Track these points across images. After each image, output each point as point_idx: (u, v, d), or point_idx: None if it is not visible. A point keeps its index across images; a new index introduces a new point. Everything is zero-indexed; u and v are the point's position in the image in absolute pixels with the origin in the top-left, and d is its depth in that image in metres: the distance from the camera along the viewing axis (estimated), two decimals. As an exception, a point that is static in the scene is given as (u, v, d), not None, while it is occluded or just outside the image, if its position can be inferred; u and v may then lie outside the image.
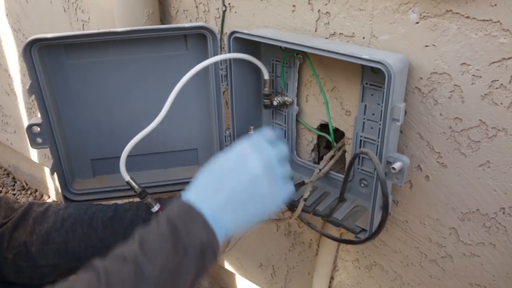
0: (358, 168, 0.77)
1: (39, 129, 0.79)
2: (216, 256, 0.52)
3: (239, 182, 0.54)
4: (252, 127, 0.84)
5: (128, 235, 0.62)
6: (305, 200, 0.76)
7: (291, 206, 0.78)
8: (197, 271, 0.51)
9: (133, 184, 0.76)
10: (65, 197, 0.88)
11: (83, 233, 0.73)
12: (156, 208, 0.77)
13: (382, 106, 0.63)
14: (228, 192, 0.54)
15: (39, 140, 0.80)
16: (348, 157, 0.80)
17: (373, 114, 0.72)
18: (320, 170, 0.80)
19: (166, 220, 0.51)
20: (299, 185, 0.78)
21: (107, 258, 0.49)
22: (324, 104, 0.78)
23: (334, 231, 0.89)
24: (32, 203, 0.76)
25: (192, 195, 0.54)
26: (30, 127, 0.78)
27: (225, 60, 0.78)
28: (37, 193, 2.05)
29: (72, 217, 0.74)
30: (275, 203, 0.57)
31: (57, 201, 1.98)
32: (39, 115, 0.79)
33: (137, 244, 0.50)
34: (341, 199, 0.78)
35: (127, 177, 0.75)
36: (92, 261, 0.49)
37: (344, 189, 0.77)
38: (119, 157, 0.73)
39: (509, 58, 0.57)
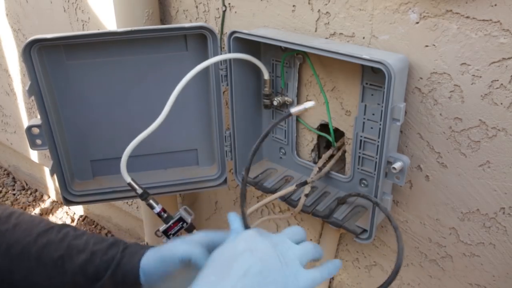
0: (358, 168, 0.77)
1: (38, 130, 0.79)
2: None
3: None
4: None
5: (78, 279, 0.62)
6: (306, 195, 0.76)
7: (292, 202, 0.79)
8: None
9: (135, 185, 0.75)
10: (64, 199, 0.88)
11: (30, 266, 0.63)
12: (158, 208, 0.77)
13: (382, 106, 0.63)
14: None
15: (38, 141, 0.80)
16: (348, 157, 0.80)
17: (373, 114, 0.72)
18: (319, 168, 0.80)
19: None
20: (301, 185, 0.78)
21: None
22: (325, 104, 0.78)
23: (333, 231, 0.89)
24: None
25: None
26: (29, 128, 0.78)
27: (225, 60, 0.78)
28: (37, 193, 2.05)
29: (19, 245, 0.63)
30: None
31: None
32: (38, 116, 0.79)
33: None
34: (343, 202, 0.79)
35: (128, 179, 0.75)
36: None
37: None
38: (119, 158, 0.73)
39: (509, 58, 0.57)
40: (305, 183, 0.78)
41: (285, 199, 0.81)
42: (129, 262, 0.63)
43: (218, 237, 0.61)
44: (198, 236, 0.62)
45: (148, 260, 0.63)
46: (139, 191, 0.75)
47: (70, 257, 0.64)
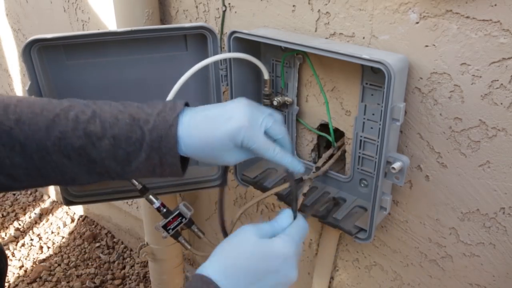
0: (358, 168, 0.77)
1: (38, 129, 0.79)
2: None
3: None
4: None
5: (108, 165, 0.58)
6: (304, 195, 0.76)
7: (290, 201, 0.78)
8: None
9: (134, 181, 0.77)
10: (64, 199, 0.87)
11: (55, 160, 0.58)
12: (157, 203, 0.77)
13: (382, 106, 0.63)
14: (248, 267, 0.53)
15: (38, 141, 0.80)
16: (348, 157, 0.80)
17: (373, 114, 0.72)
18: (318, 167, 0.80)
19: None
20: (297, 181, 0.78)
21: None
22: (324, 104, 0.78)
23: (333, 231, 0.89)
24: None
25: (222, 278, 0.52)
26: (30, 127, 0.78)
27: (225, 60, 0.78)
28: (37, 193, 2.05)
29: (33, 143, 0.58)
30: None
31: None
32: (39, 116, 0.79)
33: None
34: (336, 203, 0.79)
35: None
36: None
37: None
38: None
39: (509, 58, 0.57)
40: (300, 179, 0.78)
41: (285, 198, 0.81)
42: (164, 142, 0.58)
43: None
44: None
45: (189, 132, 0.57)
46: (139, 186, 0.76)
47: (92, 145, 0.59)
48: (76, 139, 0.58)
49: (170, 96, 0.71)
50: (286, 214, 0.58)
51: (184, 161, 0.60)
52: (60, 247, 1.75)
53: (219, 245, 0.57)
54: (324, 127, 0.82)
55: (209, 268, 0.53)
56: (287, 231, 0.56)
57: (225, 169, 0.72)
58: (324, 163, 0.81)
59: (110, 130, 0.58)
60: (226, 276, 0.52)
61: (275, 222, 0.58)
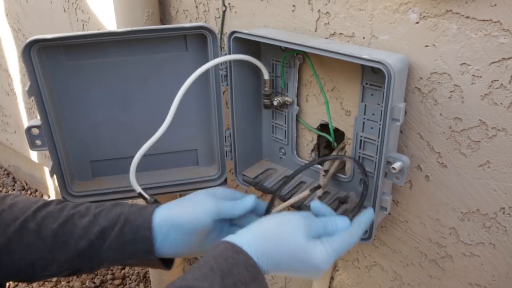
0: (358, 168, 0.77)
1: (38, 131, 0.79)
2: None
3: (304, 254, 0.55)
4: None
5: (82, 246, 0.59)
6: (319, 198, 0.76)
7: (304, 208, 0.78)
8: None
9: (145, 195, 0.75)
10: (64, 199, 0.87)
11: (29, 243, 0.60)
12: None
13: (382, 106, 0.63)
14: (282, 258, 0.54)
15: (38, 142, 0.80)
16: (348, 157, 0.80)
17: (373, 114, 0.72)
18: (327, 171, 0.80)
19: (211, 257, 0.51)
20: (314, 189, 0.76)
21: None
22: (324, 104, 0.78)
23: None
24: (24, 218, 0.62)
25: (246, 243, 0.54)
26: (29, 129, 0.78)
27: (225, 61, 0.78)
28: (37, 193, 2.05)
29: (17, 222, 0.60)
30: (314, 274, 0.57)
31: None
32: (38, 117, 0.79)
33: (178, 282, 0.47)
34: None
35: (138, 189, 0.74)
36: None
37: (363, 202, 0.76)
38: (119, 158, 0.73)
39: (509, 58, 0.57)
40: (318, 187, 0.77)
41: (299, 205, 0.79)
42: (139, 216, 0.61)
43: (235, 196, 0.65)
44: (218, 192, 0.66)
45: (163, 219, 0.62)
46: (150, 200, 0.75)
47: (72, 222, 0.61)
48: (58, 219, 0.61)
49: (175, 102, 0.71)
50: (344, 221, 0.58)
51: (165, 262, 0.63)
52: (60, 247, 1.75)
53: (263, 219, 0.57)
54: (324, 127, 0.82)
55: (243, 240, 0.53)
56: (336, 242, 0.56)
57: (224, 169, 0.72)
58: (330, 166, 0.80)
59: (94, 209, 0.63)
60: (258, 257, 0.53)
61: (330, 224, 0.58)
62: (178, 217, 0.61)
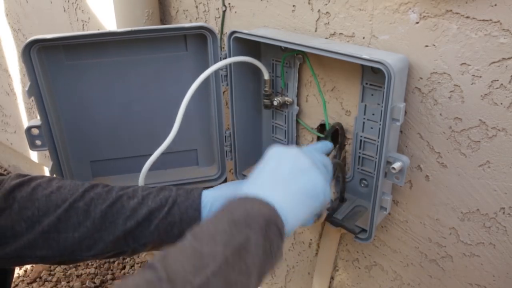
0: (358, 168, 0.77)
1: (38, 131, 0.79)
2: (282, 235, 0.49)
3: (307, 178, 0.55)
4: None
5: (129, 226, 0.61)
6: (328, 209, 0.75)
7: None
8: (265, 251, 0.47)
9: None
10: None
11: (78, 222, 0.62)
12: None
13: (382, 106, 0.63)
14: (285, 186, 0.54)
15: (38, 142, 0.80)
16: (348, 157, 0.80)
17: (373, 114, 0.72)
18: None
19: (221, 209, 0.49)
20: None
21: (160, 254, 0.46)
22: (324, 104, 0.78)
23: (334, 231, 0.89)
24: (16, 182, 0.63)
25: (247, 189, 0.53)
26: (29, 129, 0.78)
27: (228, 63, 0.78)
28: (37, 193, 2.05)
29: (66, 203, 0.62)
30: (322, 199, 0.57)
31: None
32: (38, 117, 0.78)
33: (189, 235, 0.47)
34: (342, 200, 0.78)
35: None
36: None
37: (343, 190, 0.77)
38: (119, 158, 0.73)
39: (509, 58, 0.57)
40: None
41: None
42: (187, 198, 0.62)
43: None
44: None
45: (214, 195, 0.63)
46: None
47: (120, 203, 0.63)
48: (107, 200, 0.63)
49: (181, 108, 0.71)
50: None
51: None
52: (60, 247, 1.75)
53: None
54: (324, 127, 0.82)
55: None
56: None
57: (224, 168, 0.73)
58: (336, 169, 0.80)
59: (141, 192, 0.64)
60: (252, 185, 0.54)
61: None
62: (226, 196, 0.62)
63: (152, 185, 0.88)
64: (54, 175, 0.83)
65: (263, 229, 0.47)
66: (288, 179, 0.55)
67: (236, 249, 0.45)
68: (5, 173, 2.18)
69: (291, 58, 0.79)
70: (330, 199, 0.59)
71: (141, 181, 0.73)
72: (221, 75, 0.80)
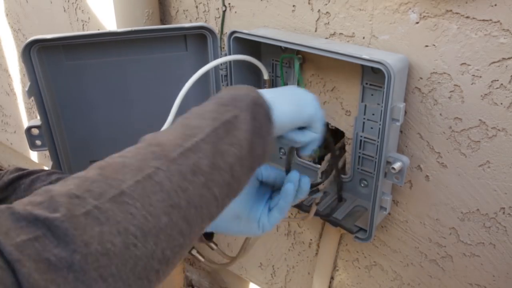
0: (358, 168, 0.77)
1: (38, 131, 0.79)
2: (270, 119, 0.49)
3: (292, 88, 0.57)
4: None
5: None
6: (317, 204, 0.76)
7: (303, 207, 0.78)
8: (255, 130, 0.47)
9: None
10: None
11: None
12: None
13: (382, 106, 0.63)
14: (279, 90, 0.55)
15: (38, 142, 0.80)
16: (348, 157, 0.80)
17: (373, 114, 0.72)
18: (321, 173, 0.80)
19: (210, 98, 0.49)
20: (312, 193, 0.76)
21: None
22: (325, 104, 0.78)
23: (334, 231, 0.89)
24: (15, 175, 0.63)
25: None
26: (29, 129, 0.78)
27: (226, 62, 0.78)
28: (37, 193, 2.05)
29: None
30: (311, 110, 0.56)
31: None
32: (38, 117, 0.78)
33: (179, 117, 0.46)
34: (340, 199, 0.78)
35: None
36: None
37: (340, 188, 0.77)
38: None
39: (509, 58, 0.57)
40: (316, 190, 0.77)
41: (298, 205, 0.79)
42: None
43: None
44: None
45: None
46: None
47: None
48: None
49: (176, 103, 0.71)
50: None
51: None
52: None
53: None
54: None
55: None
56: None
57: None
58: (329, 166, 0.80)
59: None
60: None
61: None
62: None
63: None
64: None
65: (250, 108, 0.47)
66: (284, 89, 0.56)
67: (223, 123, 0.45)
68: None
69: (290, 58, 0.78)
70: (322, 121, 0.58)
71: None
72: (221, 75, 0.80)
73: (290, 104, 0.54)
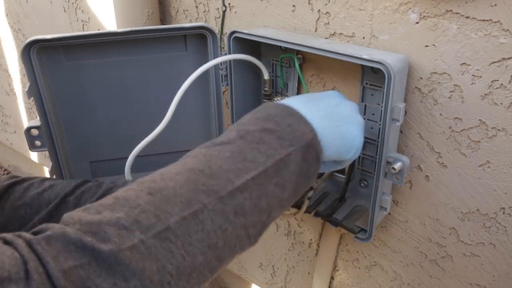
0: (358, 168, 0.77)
1: (37, 131, 0.79)
2: (318, 161, 0.50)
3: (338, 107, 0.56)
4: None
5: None
6: (309, 199, 0.76)
7: (296, 203, 0.78)
8: (302, 172, 0.48)
9: None
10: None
11: None
12: None
13: (382, 106, 0.63)
14: (327, 110, 0.54)
15: (37, 143, 0.80)
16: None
17: (373, 114, 0.72)
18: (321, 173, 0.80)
19: (265, 116, 0.49)
20: (307, 191, 0.76)
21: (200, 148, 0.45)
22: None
23: (334, 231, 0.89)
24: (8, 183, 0.63)
25: (291, 102, 0.53)
26: (28, 129, 0.78)
27: (225, 61, 0.78)
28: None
29: (58, 198, 0.62)
30: (354, 152, 0.57)
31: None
32: (38, 117, 0.78)
33: (234, 133, 0.46)
34: (341, 199, 0.78)
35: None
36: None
37: (345, 190, 0.77)
38: (118, 159, 0.73)
39: (509, 58, 0.57)
40: (310, 188, 0.77)
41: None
42: None
43: None
44: None
45: None
46: None
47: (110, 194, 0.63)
48: (97, 193, 0.62)
49: (174, 101, 0.71)
50: None
51: None
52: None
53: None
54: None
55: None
56: None
57: None
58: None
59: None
60: (295, 101, 0.53)
61: None
62: None
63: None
64: (54, 176, 0.83)
65: (304, 150, 0.48)
66: (335, 113, 0.55)
67: (276, 162, 0.45)
68: (4, 173, 2.18)
69: (290, 58, 0.78)
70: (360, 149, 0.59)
71: (127, 173, 0.73)
72: (221, 75, 0.80)
73: (340, 141, 0.54)
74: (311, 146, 0.49)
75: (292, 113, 0.51)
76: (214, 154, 0.45)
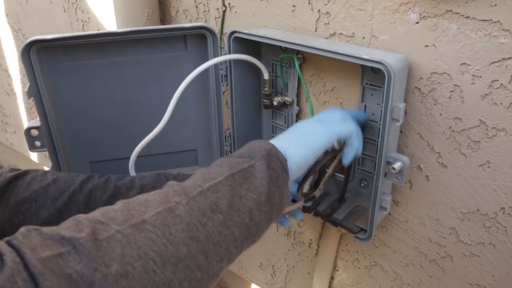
0: (358, 168, 0.77)
1: (37, 132, 0.79)
2: (285, 168, 0.51)
3: (303, 127, 0.60)
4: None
5: None
6: (303, 194, 0.75)
7: (293, 201, 0.78)
8: (271, 179, 0.49)
9: None
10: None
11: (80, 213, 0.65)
12: None
13: (382, 106, 0.63)
14: (291, 134, 0.58)
15: (37, 143, 0.80)
16: (348, 157, 0.80)
17: (373, 114, 0.72)
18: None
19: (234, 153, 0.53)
20: (308, 200, 0.76)
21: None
22: (325, 104, 0.78)
23: (334, 231, 0.89)
24: (11, 175, 0.63)
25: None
26: (28, 130, 0.78)
27: (225, 61, 0.78)
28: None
29: (65, 195, 0.63)
30: (324, 142, 0.59)
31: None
32: (38, 117, 0.78)
33: (198, 170, 0.50)
34: (341, 200, 0.78)
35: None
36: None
37: (344, 190, 0.77)
38: (118, 159, 0.73)
39: (509, 58, 0.57)
40: (313, 197, 0.76)
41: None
42: None
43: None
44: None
45: None
46: None
47: (120, 195, 0.64)
48: (106, 192, 0.64)
49: (172, 102, 0.71)
50: None
51: None
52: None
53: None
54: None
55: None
56: None
57: None
58: (326, 165, 0.80)
59: (138, 182, 0.66)
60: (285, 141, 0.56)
61: None
62: None
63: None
64: None
65: (265, 158, 0.50)
66: (294, 129, 0.59)
67: (240, 171, 0.48)
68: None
69: (290, 58, 0.78)
70: (353, 133, 0.62)
71: (131, 170, 0.73)
72: (221, 75, 0.80)
73: (304, 147, 0.56)
74: (271, 155, 0.51)
75: (250, 142, 0.54)
76: (184, 182, 0.48)
